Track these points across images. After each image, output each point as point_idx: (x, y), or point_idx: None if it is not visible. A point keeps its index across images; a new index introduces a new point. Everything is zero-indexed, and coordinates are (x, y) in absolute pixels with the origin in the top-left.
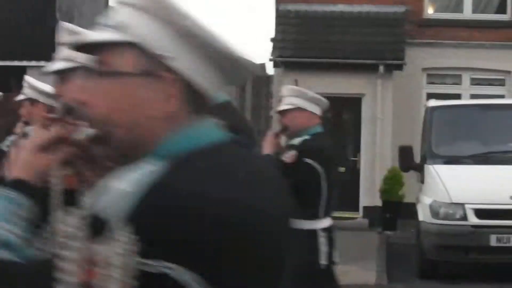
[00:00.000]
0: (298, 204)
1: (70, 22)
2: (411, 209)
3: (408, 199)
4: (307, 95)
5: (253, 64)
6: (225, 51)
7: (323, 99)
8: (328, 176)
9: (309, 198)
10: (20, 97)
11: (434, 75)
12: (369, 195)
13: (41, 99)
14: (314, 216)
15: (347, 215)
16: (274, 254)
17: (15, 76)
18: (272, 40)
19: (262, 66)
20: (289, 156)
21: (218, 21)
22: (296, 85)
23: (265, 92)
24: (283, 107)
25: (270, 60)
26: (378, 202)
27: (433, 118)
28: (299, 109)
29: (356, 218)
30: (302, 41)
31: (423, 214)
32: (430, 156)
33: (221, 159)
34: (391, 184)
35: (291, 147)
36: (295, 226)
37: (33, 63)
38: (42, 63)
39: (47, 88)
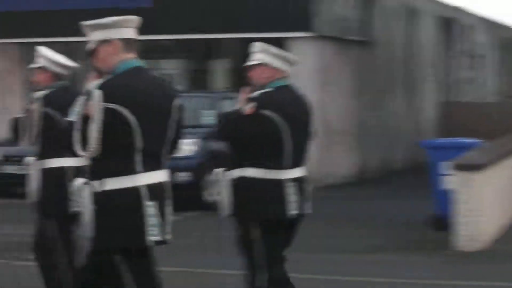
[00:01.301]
0: (261, 154)
1: None
2: None
3: None
4: (271, 51)
5: None
6: None
7: (289, 55)
8: (290, 127)
9: (270, 149)
10: (33, 65)
11: None
12: None
13: (54, 68)
14: (279, 167)
15: None
16: None
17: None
18: None
19: None
20: (247, 108)
21: None
22: None
23: None
24: (249, 62)
25: None
26: None
27: None
28: (263, 64)
29: None
30: None
31: None
32: None
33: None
34: None
35: (250, 99)
36: (254, 175)
37: (290, 34)
38: (299, 34)
39: (58, 57)
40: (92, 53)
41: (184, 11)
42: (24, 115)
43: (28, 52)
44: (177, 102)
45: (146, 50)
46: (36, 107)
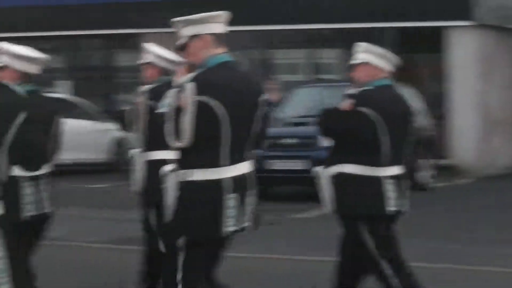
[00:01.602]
0: (358, 151)
1: None
2: None
3: None
4: (374, 50)
5: None
6: None
7: (392, 55)
8: (388, 125)
9: (367, 146)
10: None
11: None
12: None
13: (161, 63)
14: (376, 163)
15: None
16: None
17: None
18: None
19: None
20: (344, 104)
21: None
22: None
23: None
24: (352, 61)
25: None
26: None
27: None
28: (366, 63)
29: None
30: None
31: None
32: None
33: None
34: None
35: (349, 96)
36: (350, 171)
37: (449, 23)
38: (459, 23)
39: (165, 53)
40: (183, 48)
41: (344, 1)
42: (131, 108)
43: None
44: (263, 96)
45: (307, 39)
46: (142, 100)
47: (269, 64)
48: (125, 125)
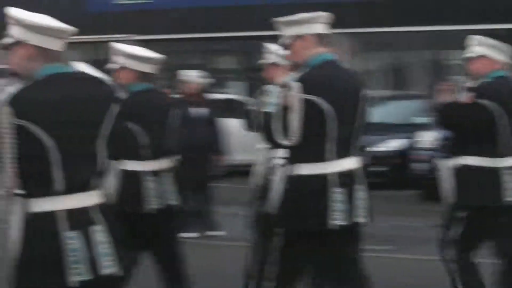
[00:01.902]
0: (478, 142)
1: None
2: None
3: None
4: (488, 42)
5: None
6: None
7: (505, 46)
8: (508, 115)
9: (487, 137)
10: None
11: None
12: None
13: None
14: (493, 154)
15: None
16: None
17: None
18: None
19: None
20: (465, 97)
21: None
22: None
23: None
24: (467, 55)
25: None
26: None
27: None
28: (481, 56)
29: None
30: None
31: None
32: None
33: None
34: None
35: (469, 89)
36: (470, 163)
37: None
38: None
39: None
40: (286, 47)
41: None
42: (255, 107)
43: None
44: (364, 92)
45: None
46: (265, 99)
47: (442, 65)
48: (252, 123)
